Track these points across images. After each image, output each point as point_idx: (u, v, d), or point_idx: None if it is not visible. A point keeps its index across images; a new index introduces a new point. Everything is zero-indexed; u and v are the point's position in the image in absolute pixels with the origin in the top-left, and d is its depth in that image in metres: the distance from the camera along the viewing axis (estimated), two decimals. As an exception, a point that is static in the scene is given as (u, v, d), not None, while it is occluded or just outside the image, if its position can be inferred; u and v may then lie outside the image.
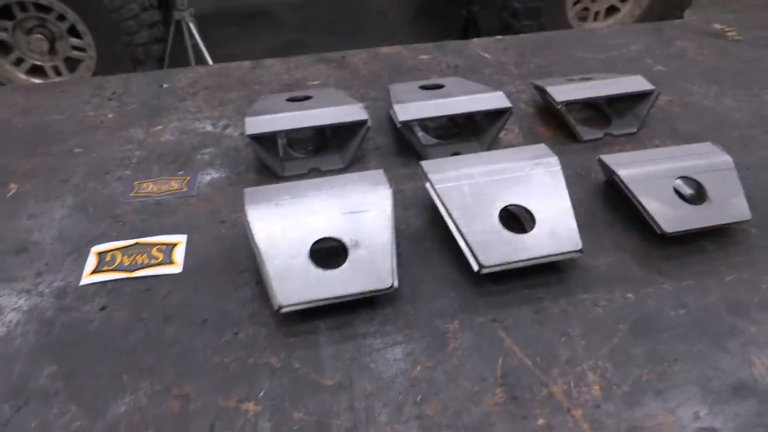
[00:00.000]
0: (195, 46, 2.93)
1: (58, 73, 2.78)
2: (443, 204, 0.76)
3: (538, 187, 0.78)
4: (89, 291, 0.74)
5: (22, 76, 2.77)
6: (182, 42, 2.93)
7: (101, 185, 0.92)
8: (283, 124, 0.90)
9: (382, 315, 0.70)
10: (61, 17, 2.63)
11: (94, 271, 0.77)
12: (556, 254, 0.73)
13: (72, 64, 2.77)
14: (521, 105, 1.09)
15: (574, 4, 3.13)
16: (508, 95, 0.96)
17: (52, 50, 2.71)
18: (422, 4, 4.29)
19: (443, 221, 0.76)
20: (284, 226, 0.72)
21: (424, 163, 0.81)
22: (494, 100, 0.95)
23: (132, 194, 0.90)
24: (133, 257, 0.78)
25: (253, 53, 3.58)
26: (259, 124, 0.89)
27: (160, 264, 0.77)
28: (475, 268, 0.71)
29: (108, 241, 0.81)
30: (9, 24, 2.64)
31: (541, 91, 1.04)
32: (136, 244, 0.81)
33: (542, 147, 0.84)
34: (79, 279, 0.76)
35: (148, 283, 0.75)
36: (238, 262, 0.77)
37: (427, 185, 0.79)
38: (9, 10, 2.60)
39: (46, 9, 2.60)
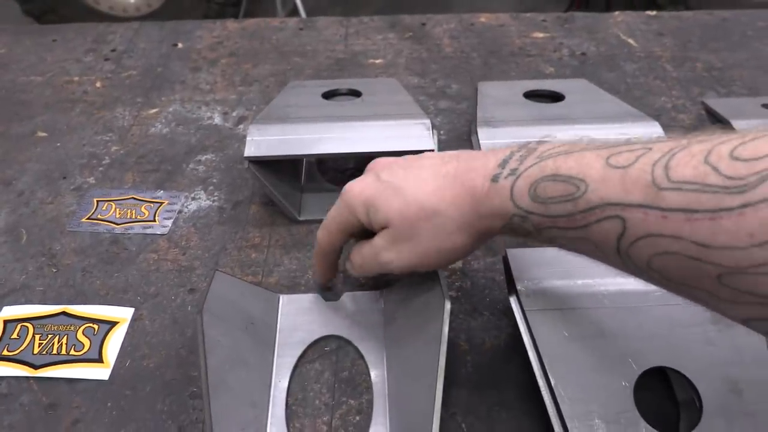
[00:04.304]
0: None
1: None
2: (534, 347, 0.44)
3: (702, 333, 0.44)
4: (-31, 394, 0.49)
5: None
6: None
7: (51, 197, 0.66)
8: (303, 145, 0.59)
9: None
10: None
11: (-11, 356, 0.51)
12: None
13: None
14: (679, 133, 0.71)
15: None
16: (661, 114, 0.60)
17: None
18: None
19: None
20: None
21: (510, 254, 0.48)
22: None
23: (85, 219, 0.63)
24: (48, 340, 0.52)
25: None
26: (265, 141, 0.59)
27: (82, 360, 0.51)
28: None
29: (28, 301, 0.55)
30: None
31: (718, 121, 0.66)
32: (62, 313, 0.54)
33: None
34: (-33, 364, 0.51)
35: (55, 394, 0.49)
36: (194, 373, 0.49)
37: (513, 302, 0.47)
38: None
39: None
